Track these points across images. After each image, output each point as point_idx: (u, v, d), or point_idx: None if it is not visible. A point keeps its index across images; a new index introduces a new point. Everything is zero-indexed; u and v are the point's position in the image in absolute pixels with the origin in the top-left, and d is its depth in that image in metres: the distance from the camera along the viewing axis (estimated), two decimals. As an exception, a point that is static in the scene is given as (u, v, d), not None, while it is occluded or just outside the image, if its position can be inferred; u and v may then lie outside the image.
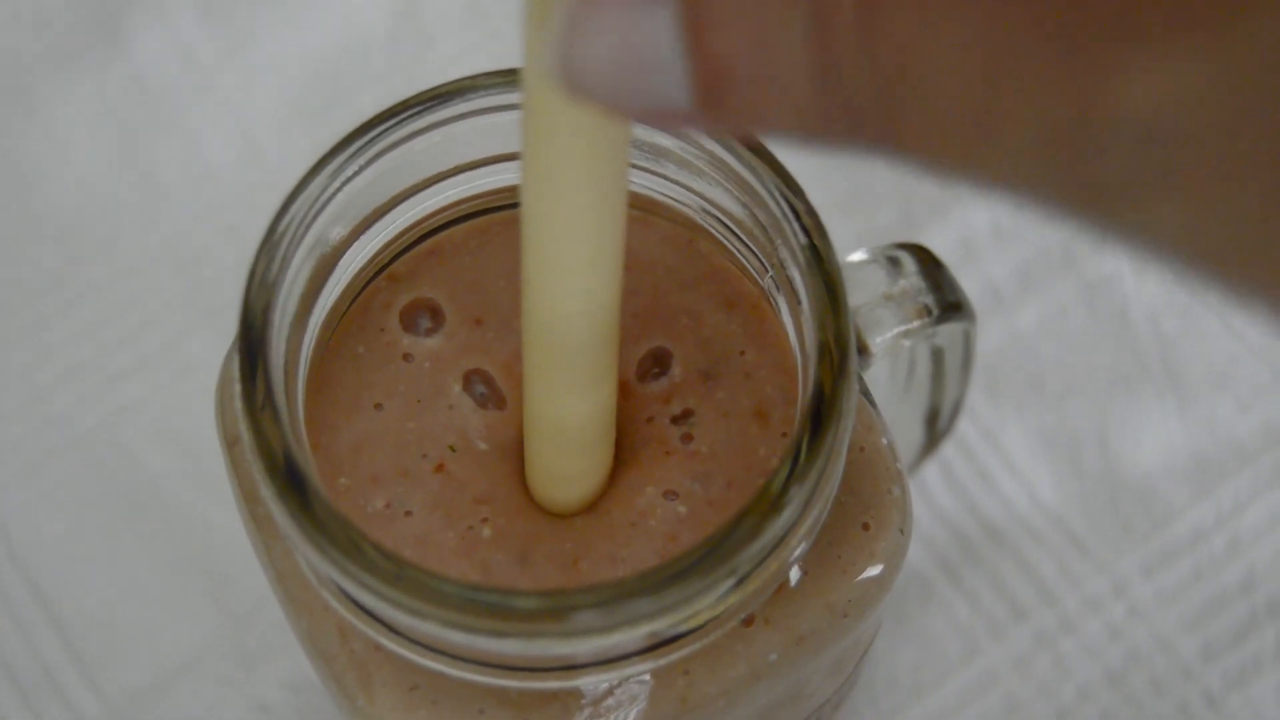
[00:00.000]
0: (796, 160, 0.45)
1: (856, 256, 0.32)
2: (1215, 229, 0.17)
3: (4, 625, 0.41)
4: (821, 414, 0.26)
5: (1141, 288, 0.44)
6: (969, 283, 0.44)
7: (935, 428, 0.37)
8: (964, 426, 0.43)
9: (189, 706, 0.41)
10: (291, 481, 0.25)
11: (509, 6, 0.48)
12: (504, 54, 0.47)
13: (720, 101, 0.19)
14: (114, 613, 0.42)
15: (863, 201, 0.45)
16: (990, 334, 0.44)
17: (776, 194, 0.27)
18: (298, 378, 0.28)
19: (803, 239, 0.27)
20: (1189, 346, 0.44)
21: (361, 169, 0.28)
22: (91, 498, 0.43)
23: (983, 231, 0.45)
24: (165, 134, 0.46)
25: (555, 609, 0.24)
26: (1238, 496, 0.42)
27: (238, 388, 0.26)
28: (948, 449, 0.43)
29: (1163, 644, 0.41)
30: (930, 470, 0.42)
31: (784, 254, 0.27)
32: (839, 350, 0.26)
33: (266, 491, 0.25)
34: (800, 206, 0.27)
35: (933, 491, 0.43)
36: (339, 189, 0.28)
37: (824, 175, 0.45)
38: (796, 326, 0.28)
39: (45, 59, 0.47)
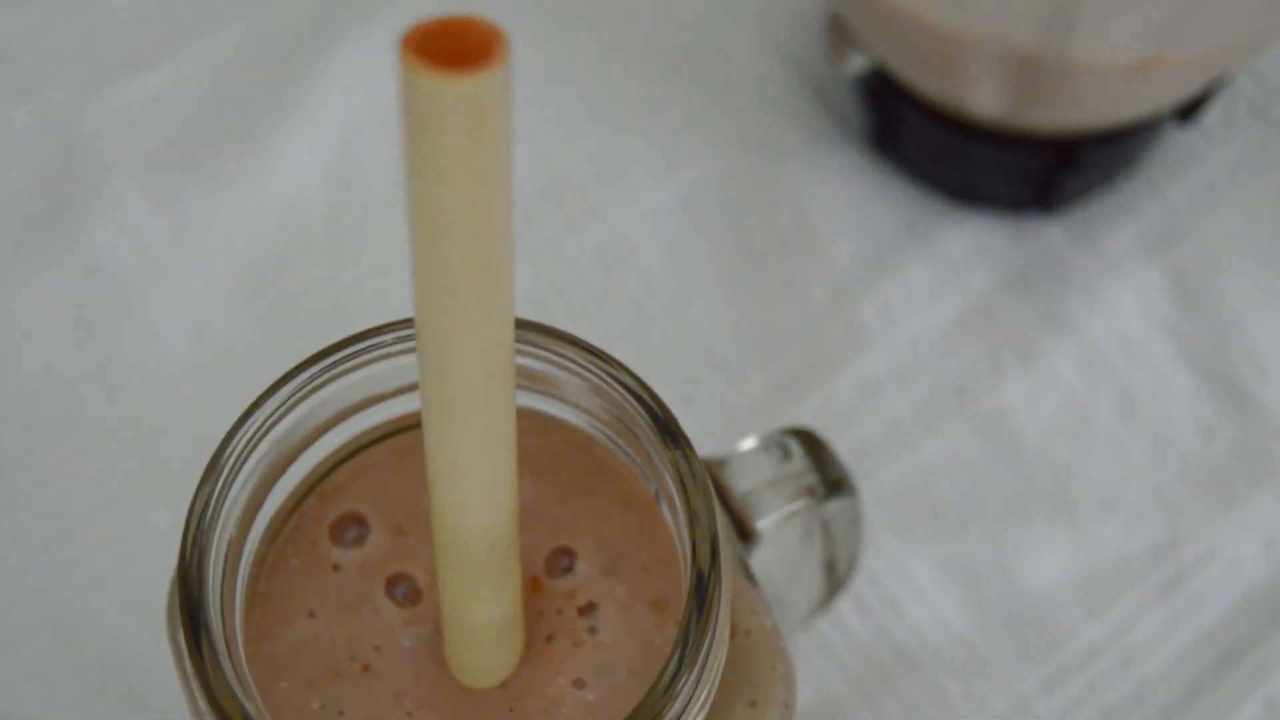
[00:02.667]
0: (710, 305, 0.49)
1: (747, 445, 0.35)
2: None
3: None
4: (701, 605, 0.29)
5: (1033, 417, 0.48)
6: (871, 421, 0.48)
7: (835, 575, 0.41)
8: (872, 560, 0.46)
9: None
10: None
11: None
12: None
13: None
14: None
15: (773, 349, 0.49)
16: (893, 469, 0.47)
17: (644, 411, 0.31)
18: (235, 595, 0.31)
19: (669, 452, 0.30)
20: (1079, 472, 0.47)
21: (291, 407, 0.31)
22: (67, 668, 0.46)
23: (884, 373, 0.48)
24: (120, 317, 0.50)
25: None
26: (1128, 612, 0.46)
27: (181, 641, 0.29)
28: (859, 581, 0.46)
29: (1064, 756, 0.44)
30: (845, 601, 0.46)
31: (658, 464, 0.31)
32: (709, 551, 0.30)
33: None
34: (667, 421, 0.30)
35: (847, 620, 0.46)
36: (271, 426, 0.31)
37: (736, 324, 0.49)
38: (677, 525, 0.31)
39: (4, 247, 0.50)
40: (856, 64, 0.48)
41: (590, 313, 0.50)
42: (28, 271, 0.50)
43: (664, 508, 0.32)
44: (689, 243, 0.51)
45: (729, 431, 0.48)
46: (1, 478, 0.48)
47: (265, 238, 0.51)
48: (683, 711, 0.29)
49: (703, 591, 0.29)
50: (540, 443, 0.33)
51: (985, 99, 0.46)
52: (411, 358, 0.31)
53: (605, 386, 0.31)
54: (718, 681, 0.30)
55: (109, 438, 0.48)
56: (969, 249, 0.50)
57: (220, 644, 0.29)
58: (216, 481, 0.30)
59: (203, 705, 0.28)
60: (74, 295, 0.50)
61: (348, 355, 0.31)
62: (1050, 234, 0.50)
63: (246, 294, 0.50)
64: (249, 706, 0.28)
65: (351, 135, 0.52)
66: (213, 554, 0.30)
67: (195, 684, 0.28)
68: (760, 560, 0.36)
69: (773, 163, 0.52)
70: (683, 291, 0.50)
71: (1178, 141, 0.52)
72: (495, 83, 0.23)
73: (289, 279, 0.50)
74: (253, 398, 0.48)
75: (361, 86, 0.53)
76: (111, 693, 0.45)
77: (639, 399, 0.31)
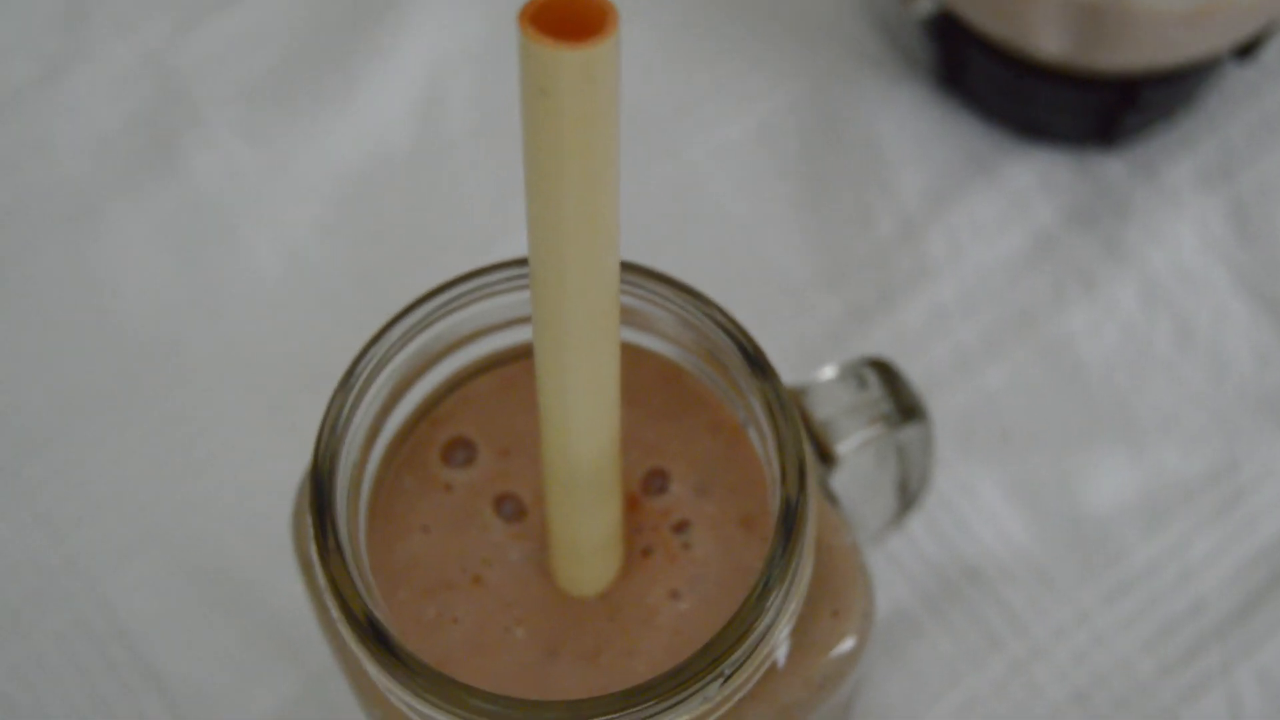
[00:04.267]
0: (782, 236, 0.51)
1: (826, 374, 0.38)
2: None
3: (116, 693, 0.47)
4: (789, 528, 0.32)
5: (1095, 346, 0.50)
6: (940, 348, 0.50)
7: (906, 495, 0.43)
8: (942, 480, 0.48)
9: (279, 760, 0.47)
10: (364, 625, 0.31)
11: (517, 114, 0.53)
12: (513, 161, 0.53)
13: None
14: (209, 678, 0.47)
15: (844, 279, 0.51)
16: (961, 395, 0.49)
17: (734, 344, 0.33)
18: (359, 509, 0.34)
19: (758, 383, 0.33)
20: (1139, 398, 0.49)
21: (411, 338, 0.34)
22: (181, 577, 0.48)
23: (951, 302, 0.50)
24: (218, 247, 0.52)
25: (577, 715, 0.30)
26: (1185, 531, 0.48)
27: (310, 528, 0.32)
28: (929, 500, 0.48)
29: (1123, 665, 0.47)
30: (914, 519, 0.48)
31: (747, 393, 0.33)
32: (797, 475, 0.32)
33: (340, 624, 0.31)
34: (755, 355, 0.33)
35: (917, 538, 0.48)
36: (391, 356, 0.34)
37: (809, 254, 0.51)
38: (764, 450, 0.34)
39: (108, 183, 0.53)
40: (924, 6, 0.50)
41: (665, 244, 0.52)
42: (129, 204, 0.53)
43: (751, 433, 0.35)
44: (761, 176, 0.53)
45: (801, 358, 0.50)
46: (108, 402, 0.50)
47: (355, 170, 0.53)
48: (773, 623, 0.32)
49: (791, 513, 0.32)
50: (634, 373, 0.36)
51: (1049, 41, 0.47)
52: (515, 295, 0.34)
53: (698, 322, 0.33)
54: (804, 595, 0.33)
55: (209, 362, 0.51)
56: (1033, 182, 0.52)
57: (347, 545, 0.32)
58: (349, 393, 0.33)
59: (331, 604, 0.31)
60: (173, 226, 0.52)
61: (461, 293, 0.33)
62: (1112, 168, 0.52)
63: (338, 225, 0.52)
64: (373, 607, 0.31)
65: (439, 70, 0.54)
66: (342, 461, 0.32)
67: (324, 580, 0.31)
68: (837, 480, 0.39)
69: (842, 98, 0.54)
70: (755, 223, 0.52)
71: (1236, 78, 0.53)
72: (606, 52, 0.25)
73: (378, 210, 0.53)
74: (346, 324, 0.51)
75: (450, 22, 0.55)
76: (218, 605, 0.48)
77: (730, 334, 0.33)
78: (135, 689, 0.47)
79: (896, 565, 0.48)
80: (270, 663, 0.48)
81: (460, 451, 0.36)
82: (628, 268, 0.33)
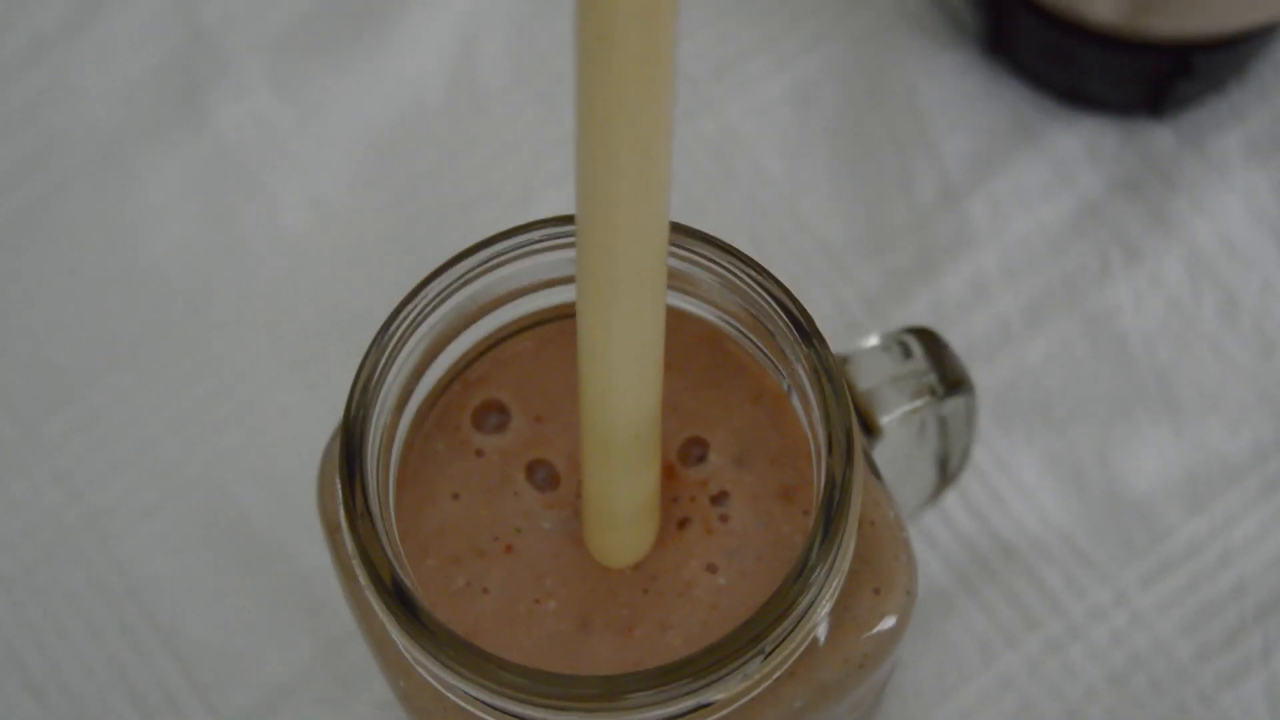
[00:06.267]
0: (821, 198, 0.50)
1: (869, 343, 0.36)
2: None
3: (127, 654, 0.46)
4: (833, 503, 0.31)
5: (1139, 318, 0.49)
6: (981, 319, 0.49)
7: (947, 470, 0.42)
8: (979, 455, 0.47)
9: (295, 724, 0.46)
10: (391, 589, 0.30)
11: (553, 71, 0.52)
12: (549, 116, 0.52)
13: None
14: (224, 641, 0.47)
15: (882, 243, 0.50)
16: (1001, 367, 0.48)
17: (781, 310, 0.32)
18: (389, 472, 0.33)
19: (805, 349, 0.32)
20: (1183, 373, 0.48)
21: (447, 296, 0.33)
22: (198, 538, 0.48)
23: (993, 271, 0.49)
24: (247, 199, 0.51)
25: (612, 690, 0.29)
26: (1229, 511, 0.47)
27: (339, 490, 0.31)
28: (966, 476, 0.47)
29: (1161, 648, 0.46)
30: (950, 495, 0.47)
31: (792, 360, 0.32)
32: (844, 445, 0.31)
33: (366, 588, 0.30)
34: (803, 321, 0.32)
35: (952, 514, 0.47)
36: (426, 314, 0.32)
37: (847, 217, 0.50)
38: (809, 420, 0.33)
39: (136, 132, 0.52)
40: (974, -35, 0.49)
41: (704, 203, 0.51)
42: (158, 154, 0.52)
43: (795, 402, 0.34)
44: (801, 136, 0.52)
45: (840, 324, 0.49)
46: (134, 353, 0.49)
47: (386, 124, 0.52)
48: (814, 600, 0.31)
49: (837, 486, 0.31)
50: (674, 338, 0.34)
51: (1101, 5, 0.46)
52: (555, 255, 0.33)
53: (744, 285, 0.32)
54: (846, 571, 0.32)
55: (234, 317, 0.50)
56: (1079, 151, 0.51)
57: (376, 510, 0.31)
58: (383, 351, 0.32)
59: (359, 570, 0.30)
60: (202, 177, 0.51)
61: (500, 250, 0.32)
62: (1160, 138, 0.51)
63: (367, 179, 0.51)
64: (402, 575, 0.30)
65: (474, 21, 0.53)
66: (374, 422, 0.31)
67: (351, 545, 0.30)
68: (876, 455, 0.38)
69: (885, 59, 0.52)
70: (794, 184, 0.51)
71: (1291, 46, 0.52)
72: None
73: (409, 165, 0.51)
74: (373, 281, 0.50)
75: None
76: (241, 562, 0.47)
77: (777, 299, 0.32)
78: (149, 650, 0.46)
79: (930, 542, 0.47)
80: (286, 627, 0.47)
81: (493, 416, 0.35)
82: (673, 228, 0.32)
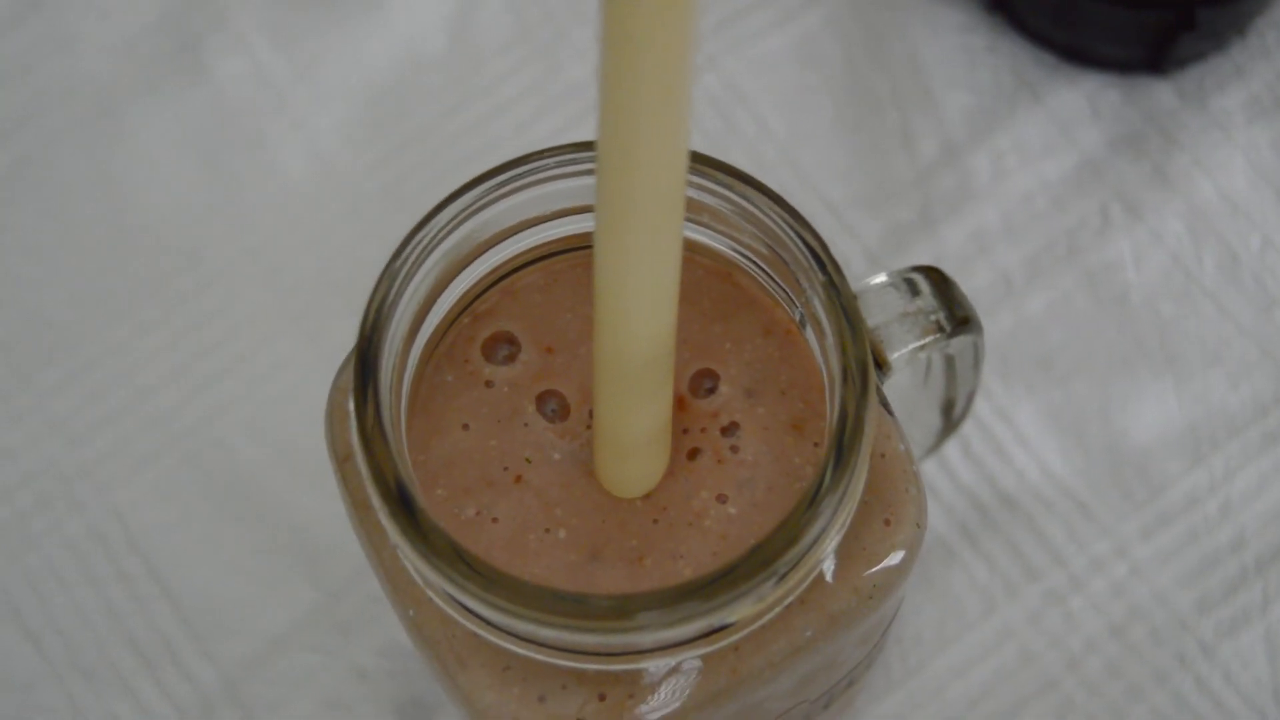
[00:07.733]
0: (822, 153, 0.50)
1: (877, 280, 0.36)
2: None
3: (126, 603, 0.46)
4: (847, 432, 0.31)
5: (1140, 274, 0.49)
6: (982, 272, 0.49)
7: (951, 416, 0.42)
8: (980, 406, 0.47)
9: (293, 672, 0.46)
10: (403, 503, 0.30)
11: (554, 27, 0.52)
12: (549, 69, 0.52)
13: None
14: (221, 590, 0.46)
15: (884, 199, 0.50)
16: (1002, 320, 0.48)
17: (798, 239, 0.32)
18: (400, 402, 0.33)
19: (822, 278, 0.32)
20: (1184, 328, 0.48)
21: (458, 224, 0.32)
22: (196, 488, 0.47)
23: (994, 226, 0.49)
24: (244, 151, 0.51)
25: (623, 610, 0.29)
26: (1229, 464, 0.47)
27: (352, 410, 0.31)
28: (966, 427, 0.47)
29: (1161, 599, 0.46)
30: (951, 446, 0.47)
31: (808, 291, 0.32)
32: (859, 375, 0.31)
33: (379, 508, 0.30)
34: (820, 250, 0.32)
35: (953, 465, 0.47)
36: (439, 241, 0.32)
37: (848, 172, 0.50)
38: (823, 351, 0.33)
39: (132, 84, 0.52)
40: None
41: (703, 160, 0.51)
42: (154, 106, 0.51)
43: (808, 334, 0.34)
44: (802, 91, 0.51)
45: (839, 279, 0.49)
46: (131, 305, 0.49)
47: (385, 77, 0.52)
48: (824, 529, 0.31)
49: (850, 415, 0.30)
50: (685, 270, 0.34)
51: (1108, -45, 0.46)
52: (569, 183, 0.33)
53: (761, 215, 0.32)
54: (857, 501, 0.32)
55: (231, 269, 0.50)
56: (1081, 107, 0.51)
57: (389, 426, 0.30)
58: (396, 276, 0.32)
59: (371, 489, 0.30)
60: (197, 129, 0.51)
61: (513, 176, 0.32)
62: (1162, 94, 0.51)
63: (367, 132, 0.51)
64: (415, 493, 0.30)
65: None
66: (387, 345, 0.31)
67: (364, 463, 0.30)
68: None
69: (886, 14, 0.52)
70: (795, 138, 0.51)
71: (1292, 6, 0.52)
72: None
73: (407, 118, 0.51)
74: (371, 234, 0.50)
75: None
76: (233, 517, 0.47)
77: (794, 229, 0.32)
78: (147, 600, 0.46)
79: (932, 493, 0.47)
80: (284, 578, 0.47)
81: (503, 347, 0.35)
82: (692, 157, 0.32)
